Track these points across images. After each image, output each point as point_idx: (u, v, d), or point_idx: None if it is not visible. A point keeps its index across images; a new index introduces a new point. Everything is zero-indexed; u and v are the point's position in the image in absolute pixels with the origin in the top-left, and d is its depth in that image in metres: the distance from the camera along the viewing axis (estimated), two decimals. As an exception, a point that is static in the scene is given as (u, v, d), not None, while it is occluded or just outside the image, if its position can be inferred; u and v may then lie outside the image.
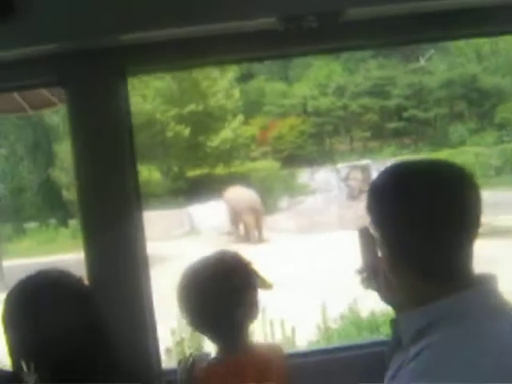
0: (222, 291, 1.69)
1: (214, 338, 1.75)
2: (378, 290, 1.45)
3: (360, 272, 1.50)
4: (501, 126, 22.25)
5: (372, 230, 1.37)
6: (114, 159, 1.88)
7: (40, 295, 1.44)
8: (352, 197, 19.77)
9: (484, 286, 1.30)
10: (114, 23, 1.71)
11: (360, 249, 1.48)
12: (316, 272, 10.38)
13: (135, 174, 1.95)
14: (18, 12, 1.64)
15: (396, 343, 1.36)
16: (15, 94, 4.19)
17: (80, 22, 1.70)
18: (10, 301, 1.47)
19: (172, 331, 5.14)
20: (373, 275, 1.44)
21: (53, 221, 17.05)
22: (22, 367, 1.38)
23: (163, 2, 1.69)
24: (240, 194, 15.47)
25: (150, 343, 1.93)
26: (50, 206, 16.94)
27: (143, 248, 1.94)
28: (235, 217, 15.30)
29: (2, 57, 1.77)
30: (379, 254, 1.41)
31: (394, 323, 1.37)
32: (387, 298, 1.44)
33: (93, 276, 1.86)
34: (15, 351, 1.42)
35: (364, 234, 1.46)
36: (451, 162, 1.35)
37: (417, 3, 1.75)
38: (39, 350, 1.38)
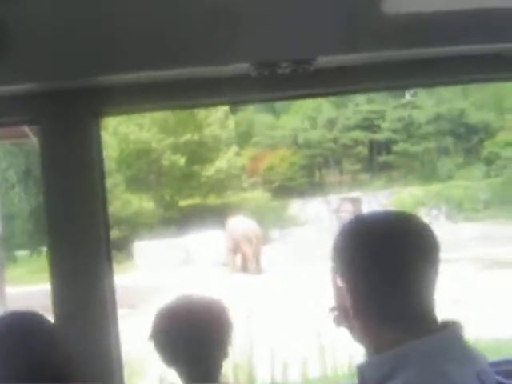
0: (193, 334, 1.72)
1: (186, 378, 1.77)
2: (350, 329, 1.46)
3: (332, 310, 1.51)
4: (488, 161, 22.57)
5: (335, 276, 1.41)
6: (84, 201, 1.87)
7: (9, 338, 1.44)
8: (343, 229, 19.82)
9: (447, 331, 1.32)
10: (89, 65, 1.72)
11: (332, 288, 1.49)
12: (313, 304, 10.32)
13: (106, 216, 1.93)
14: None
15: None
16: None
17: (55, 63, 1.71)
18: None
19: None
20: (344, 315, 1.45)
21: (44, 249, 16.81)
22: None
23: (138, 46, 1.71)
24: (240, 224, 15.47)
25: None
26: (42, 234, 16.72)
27: (112, 292, 1.92)
28: (233, 246, 15.26)
29: None
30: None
31: (359, 369, 1.39)
32: (358, 338, 1.45)
33: (59, 317, 1.84)
34: None
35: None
36: (408, 213, 1.42)
37: (387, 52, 1.81)
38: None
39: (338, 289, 1.44)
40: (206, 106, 2.02)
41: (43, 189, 1.89)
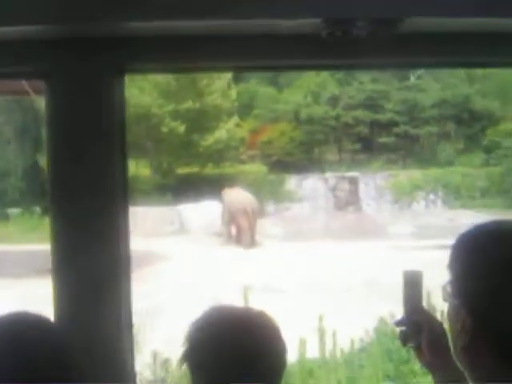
0: (245, 353, 1.33)
1: None
2: (418, 350, 1.29)
3: (400, 324, 1.33)
4: (488, 149, 22.47)
5: (449, 291, 1.15)
6: (101, 168, 1.61)
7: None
8: (338, 207, 19.82)
9: None
10: (116, 7, 1.42)
11: (403, 297, 1.32)
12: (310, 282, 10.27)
13: (126, 186, 1.67)
14: None
15: None
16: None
17: (74, 3, 1.41)
18: None
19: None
20: (415, 331, 1.28)
21: (37, 208, 16.70)
22: None
23: None
24: (237, 196, 15.40)
25: (127, 363, 1.70)
26: (35, 193, 16.57)
27: (127, 254, 1.68)
28: (229, 218, 15.21)
29: None
30: (425, 307, 1.28)
31: None
32: (429, 363, 1.27)
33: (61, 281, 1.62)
34: None
35: (411, 280, 1.31)
36: None
37: (495, 19, 1.46)
38: None
39: (414, 297, 1.25)
40: (258, 69, 1.68)
41: (49, 151, 1.63)
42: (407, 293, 1.32)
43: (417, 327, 1.28)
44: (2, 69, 1.64)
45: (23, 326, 1.23)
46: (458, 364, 1.16)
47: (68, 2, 1.42)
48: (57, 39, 1.52)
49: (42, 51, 1.55)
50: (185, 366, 1.39)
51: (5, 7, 1.40)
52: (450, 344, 1.23)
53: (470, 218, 17.78)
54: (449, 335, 1.22)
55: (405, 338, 1.32)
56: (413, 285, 1.31)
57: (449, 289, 1.14)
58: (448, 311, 1.15)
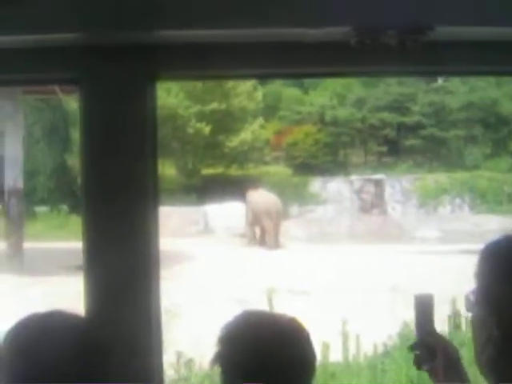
0: (278, 360, 1.34)
1: None
2: (432, 373, 1.28)
3: (414, 349, 1.32)
4: (516, 154, 22.17)
5: (472, 300, 1.12)
6: (130, 171, 1.66)
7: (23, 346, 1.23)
8: (364, 210, 19.70)
9: None
10: (148, 16, 1.46)
11: (415, 321, 1.31)
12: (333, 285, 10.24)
13: (156, 191, 1.71)
14: None
15: None
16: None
17: (107, 10, 1.44)
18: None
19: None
20: (429, 355, 1.28)
21: (64, 207, 16.94)
22: None
23: None
24: (261, 197, 15.44)
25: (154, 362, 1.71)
26: (63, 191, 16.80)
27: (156, 253, 1.71)
28: (253, 219, 15.25)
29: (11, 44, 1.51)
30: (439, 331, 1.28)
31: None
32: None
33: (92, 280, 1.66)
34: None
35: (423, 303, 1.30)
36: None
37: None
38: None
39: (426, 320, 1.23)
40: (286, 76, 1.66)
41: (82, 153, 1.70)
42: (419, 317, 1.32)
43: (431, 351, 1.28)
44: (37, 74, 1.71)
45: (57, 324, 1.27)
46: (482, 376, 1.14)
47: (102, 11, 1.47)
48: (91, 46, 1.57)
49: (76, 58, 1.60)
50: (217, 368, 1.41)
51: (40, 14, 1.45)
52: (465, 368, 1.23)
53: (497, 224, 17.56)
54: (468, 352, 1.21)
55: (419, 362, 1.31)
56: (424, 308, 1.31)
57: (472, 298, 1.12)
58: (472, 321, 1.13)
